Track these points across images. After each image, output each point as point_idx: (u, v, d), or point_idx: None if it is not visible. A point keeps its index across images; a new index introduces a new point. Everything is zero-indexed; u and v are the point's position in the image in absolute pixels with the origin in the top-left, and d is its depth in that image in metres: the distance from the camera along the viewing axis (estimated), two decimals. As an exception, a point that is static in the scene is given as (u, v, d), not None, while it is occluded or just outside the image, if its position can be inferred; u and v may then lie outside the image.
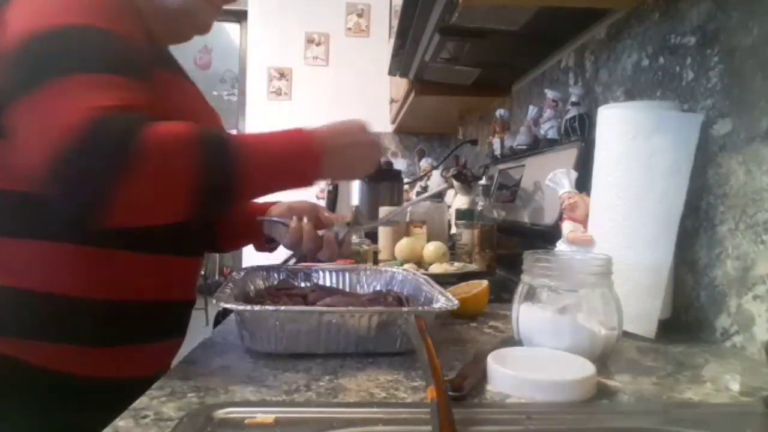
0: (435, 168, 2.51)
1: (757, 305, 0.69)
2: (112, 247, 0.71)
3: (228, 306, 0.63)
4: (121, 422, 0.46)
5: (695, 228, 0.81)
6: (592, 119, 1.15)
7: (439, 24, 1.33)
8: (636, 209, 0.77)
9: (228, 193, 0.67)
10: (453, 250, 1.41)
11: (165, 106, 0.68)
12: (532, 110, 1.45)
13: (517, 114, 1.82)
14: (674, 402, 0.54)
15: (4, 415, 0.68)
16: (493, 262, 1.31)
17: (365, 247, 1.33)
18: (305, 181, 0.73)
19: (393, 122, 3.34)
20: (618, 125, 0.79)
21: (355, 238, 1.36)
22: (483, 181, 1.65)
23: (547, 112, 1.34)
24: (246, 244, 0.98)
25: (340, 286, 0.92)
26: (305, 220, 0.85)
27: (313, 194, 3.21)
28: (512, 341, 0.69)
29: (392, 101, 3.12)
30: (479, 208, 1.35)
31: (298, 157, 0.72)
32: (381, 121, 3.54)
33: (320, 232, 0.85)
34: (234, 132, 0.70)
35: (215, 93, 6.50)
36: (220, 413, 0.47)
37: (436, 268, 1.23)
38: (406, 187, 2.34)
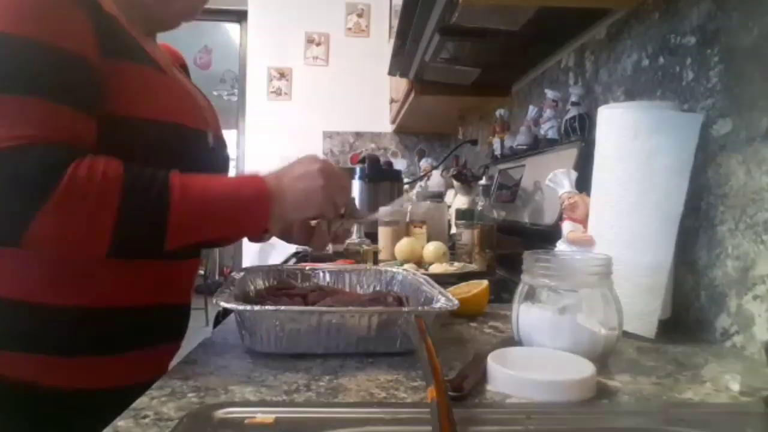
0: (435, 168, 2.51)
1: (757, 305, 0.69)
2: None
3: (228, 306, 0.62)
4: (121, 422, 0.46)
5: (695, 228, 0.81)
6: (592, 119, 1.15)
7: (439, 24, 1.33)
8: (636, 209, 0.77)
9: (152, 240, 0.64)
10: (453, 250, 1.41)
11: (127, 98, 0.67)
12: (532, 110, 1.45)
13: (517, 114, 1.81)
14: (674, 402, 0.54)
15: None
16: (493, 262, 1.31)
17: (365, 247, 1.33)
18: (250, 231, 0.71)
19: (393, 122, 3.35)
20: (618, 125, 0.79)
21: (355, 238, 1.36)
22: (483, 181, 1.65)
23: (547, 112, 1.35)
24: None
25: (340, 286, 0.92)
26: None
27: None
28: (512, 341, 0.69)
29: (392, 101, 3.12)
30: (479, 208, 1.35)
31: (243, 206, 0.69)
32: (381, 121, 3.55)
33: (312, 223, 0.85)
34: (176, 175, 0.66)
35: (215, 93, 6.50)
36: (220, 413, 0.47)
37: (436, 268, 1.23)
38: (406, 187, 2.35)
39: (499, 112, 1.78)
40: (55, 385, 0.69)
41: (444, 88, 2.05)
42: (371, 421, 0.47)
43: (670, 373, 0.62)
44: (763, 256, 0.69)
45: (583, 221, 0.86)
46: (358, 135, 3.62)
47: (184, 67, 0.98)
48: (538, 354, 0.63)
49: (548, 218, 1.19)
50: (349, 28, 3.61)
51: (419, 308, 0.68)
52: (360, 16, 3.60)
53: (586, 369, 0.55)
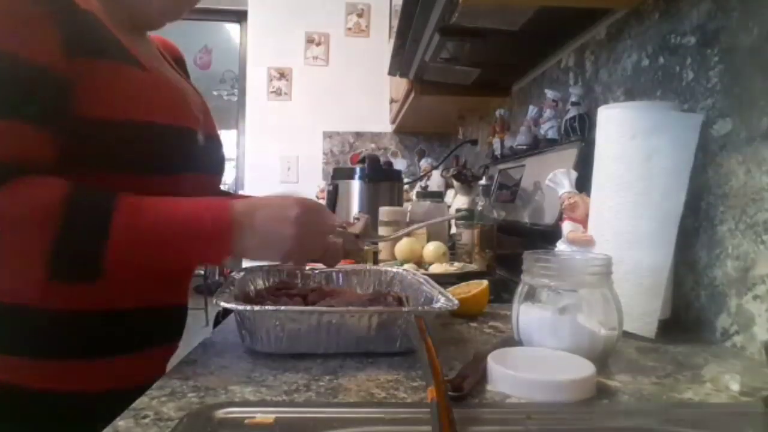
0: (435, 168, 2.52)
1: (757, 305, 0.69)
2: None
3: (228, 306, 0.62)
4: (121, 422, 0.46)
5: (695, 228, 0.81)
6: (592, 119, 1.15)
7: (439, 24, 1.33)
8: (636, 209, 0.77)
9: (90, 268, 0.61)
10: (453, 250, 1.41)
11: (100, 99, 0.65)
12: (532, 110, 1.45)
13: (517, 114, 1.81)
14: (674, 402, 0.54)
15: None
16: (493, 262, 1.31)
17: (365, 247, 1.33)
18: (208, 262, 0.68)
19: (393, 122, 3.35)
20: (618, 125, 0.79)
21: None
22: (483, 181, 1.65)
23: (547, 112, 1.35)
24: None
25: (340, 286, 0.92)
26: None
27: (313, 194, 3.21)
28: (512, 341, 0.69)
29: (392, 101, 3.12)
30: (479, 208, 1.35)
31: (198, 236, 0.64)
32: (381, 121, 3.55)
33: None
34: (123, 200, 0.62)
35: (215, 93, 6.51)
36: (220, 413, 0.47)
37: (436, 268, 1.23)
38: (406, 187, 2.34)
39: (499, 112, 1.78)
40: (48, 387, 0.68)
41: (444, 88, 2.05)
42: (371, 421, 0.47)
43: (670, 373, 0.62)
44: (763, 256, 0.69)
45: (583, 221, 0.86)
46: (358, 135, 3.62)
47: (179, 61, 0.95)
48: (538, 354, 0.63)
49: (548, 218, 1.19)
50: (349, 28, 3.61)
51: (419, 308, 0.68)
52: (360, 16, 3.60)
53: (586, 369, 0.55)
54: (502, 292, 1.02)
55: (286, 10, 3.58)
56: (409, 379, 0.58)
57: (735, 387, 0.57)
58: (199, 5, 0.85)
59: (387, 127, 3.57)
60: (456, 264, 1.27)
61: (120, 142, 0.67)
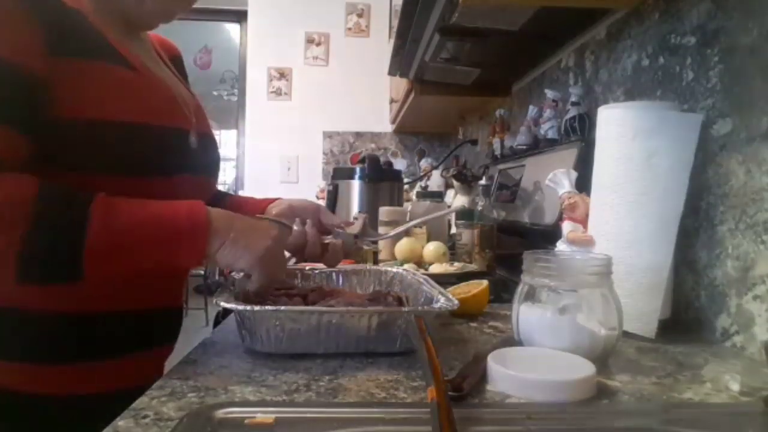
0: (435, 168, 2.51)
1: (757, 305, 0.69)
2: None
3: (228, 306, 0.62)
4: (121, 422, 0.46)
5: (695, 228, 0.81)
6: (592, 119, 1.15)
7: (439, 24, 1.33)
8: (636, 209, 0.77)
9: (64, 268, 0.59)
10: (453, 250, 1.41)
11: (83, 99, 0.64)
12: (532, 110, 1.46)
13: (517, 114, 1.81)
14: (674, 402, 0.54)
15: None
16: (493, 262, 1.31)
17: (365, 247, 1.33)
18: (184, 264, 0.66)
19: (393, 122, 3.35)
20: (618, 125, 0.79)
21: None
22: (483, 181, 1.65)
23: (547, 112, 1.35)
24: None
25: (340, 286, 0.92)
26: (309, 223, 0.81)
27: (313, 194, 3.21)
28: (512, 341, 0.69)
29: (392, 101, 3.12)
30: (479, 208, 1.35)
31: (173, 233, 0.63)
32: (381, 121, 3.55)
33: (326, 239, 0.83)
34: (99, 200, 0.60)
35: (215, 93, 6.51)
36: (220, 413, 0.47)
37: (436, 268, 1.23)
38: (406, 187, 2.34)
39: (499, 112, 1.78)
40: (42, 392, 0.68)
41: (444, 88, 2.05)
42: (371, 421, 0.47)
43: (670, 373, 0.62)
44: (763, 256, 0.69)
45: (583, 221, 0.86)
46: (358, 135, 3.62)
47: (176, 60, 0.93)
48: (538, 354, 0.63)
49: (548, 218, 1.19)
50: (349, 28, 3.61)
51: (419, 308, 0.68)
52: (360, 16, 3.60)
53: (586, 369, 0.55)
54: (502, 292, 1.02)
55: (286, 10, 3.58)
56: (409, 379, 0.58)
57: (735, 387, 0.57)
58: (199, 5, 0.84)
59: (387, 127, 3.57)
60: (456, 264, 1.27)
61: (107, 144, 0.66)
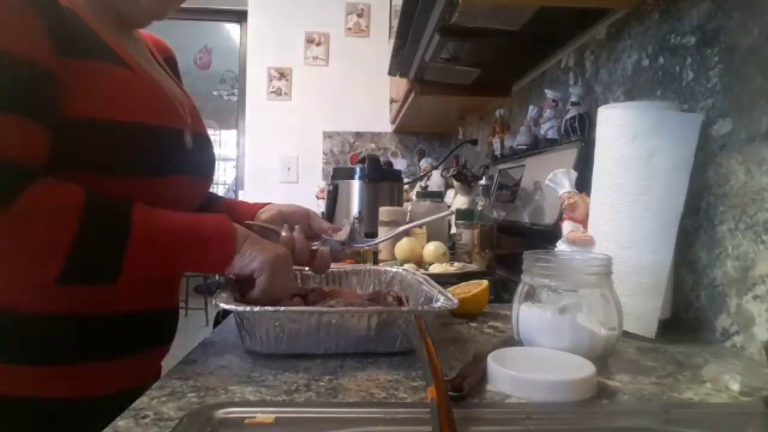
0: (435, 168, 2.51)
1: (757, 305, 0.69)
2: None
3: (227, 307, 0.62)
4: (121, 422, 0.46)
5: (695, 228, 0.81)
6: (592, 119, 1.15)
7: (439, 24, 1.33)
8: (636, 209, 0.77)
9: (104, 270, 0.64)
10: (453, 250, 1.41)
11: (82, 98, 0.64)
12: (532, 110, 1.46)
13: (517, 114, 1.81)
14: (674, 402, 0.54)
15: None
16: (493, 262, 1.31)
17: (365, 247, 1.33)
18: (211, 269, 0.71)
19: (393, 122, 3.35)
20: (618, 125, 0.79)
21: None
22: (483, 181, 1.65)
23: (547, 112, 1.35)
24: None
25: (340, 287, 0.92)
26: (297, 229, 0.81)
27: (313, 194, 3.21)
28: (512, 341, 0.69)
29: (392, 101, 3.12)
30: (479, 208, 1.35)
31: (206, 239, 0.68)
32: (381, 121, 3.55)
33: (314, 245, 0.83)
34: (138, 207, 0.65)
35: (215, 93, 6.51)
36: (220, 413, 0.47)
37: (436, 268, 1.23)
38: (406, 187, 2.34)
39: (499, 112, 1.78)
40: (38, 394, 0.68)
41: (444, 88, 2.04)
42: (371, 421, 0.47)
43: (670, 373, 0.62)
44: (763, 256, 0.69)
45: (583, 221, 0.86)
46: (358, 135, 3.62)
47: (170, 60, 0.93)
48: (538, 354, 0.63)
49: (548, 218, 1.19)
50: (349, 28, 3.61)
51: (419, 308, 0.68)
52: (360, 16, 3.60)
53: (586, 369, 0.55)
54: (502, 292, 1.02)
55: (286, 10, 3.58)
56: (409, 379, 0.58)
57: (735, 387, 0.57)
58: (199, 5, 0.84)
59: (387, 127, 3.57)
60: (456, 264, 1.27)
61: (107, 143, 0.66)
